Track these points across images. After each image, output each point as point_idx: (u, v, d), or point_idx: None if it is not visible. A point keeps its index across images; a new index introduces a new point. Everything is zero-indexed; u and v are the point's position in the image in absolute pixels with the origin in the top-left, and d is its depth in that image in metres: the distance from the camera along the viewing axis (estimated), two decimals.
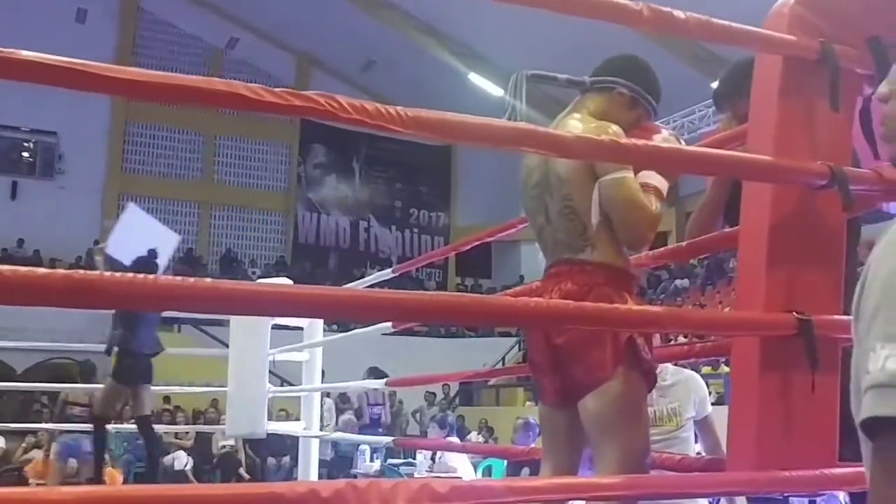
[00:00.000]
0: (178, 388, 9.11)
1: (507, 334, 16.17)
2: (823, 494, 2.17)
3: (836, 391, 1.84)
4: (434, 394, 13.66)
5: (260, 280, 9.47)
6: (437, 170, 20.99)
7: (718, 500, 3.34)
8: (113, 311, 5.61)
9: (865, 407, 0.62)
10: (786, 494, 1.96)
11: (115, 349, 5.64)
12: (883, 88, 0.84)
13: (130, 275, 1.27)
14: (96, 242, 5.73)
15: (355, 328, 8.54)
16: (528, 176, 2.16)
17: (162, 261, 5.73)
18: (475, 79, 17.11)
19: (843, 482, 1.76)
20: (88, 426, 6.98)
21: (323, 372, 7.03)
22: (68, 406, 7.52)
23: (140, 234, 5.86)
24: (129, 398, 6.01)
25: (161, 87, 1.29)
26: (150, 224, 6.27)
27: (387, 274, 4.85)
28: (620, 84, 2.12)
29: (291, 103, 1.25)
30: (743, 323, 1.84)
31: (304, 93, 1.29)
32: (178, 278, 1.32)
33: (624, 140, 1.71)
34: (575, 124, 2.03)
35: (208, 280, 1.37)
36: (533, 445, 5.38)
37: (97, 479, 5.62)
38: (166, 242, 6.03)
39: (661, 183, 2.01)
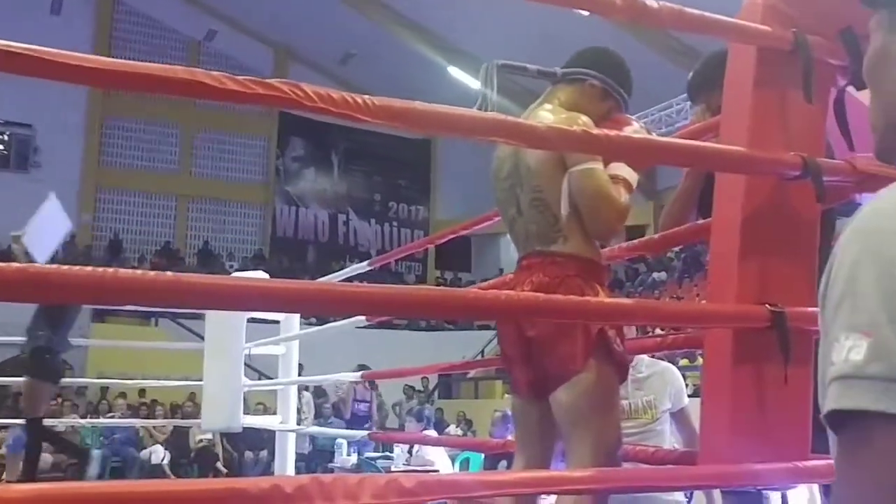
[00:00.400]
0: (154, 381, 9.04)
1: (487, 327, 16.17)
2: (796, 486, 2.17)
3: (809, 383, 1.84)
4: (413, 387, 13.65)
5: (237, 274, 9.41)
6: (416, 163, 20.94)
7: (691, 494, 3.34)
8: (36, 312, 5.64)
9: (829, 399, 0.61)
10: (759, 487, 1.96)
11: (36, 348, 5.60)
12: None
13: (109, 270, 1.24)
14: (15, 236, 5.59)
15: (332, 321, 8.51)
16: (498, 167, 2.14)
17: (49, 250, 5.70)
18: (455, 72, 17.06)
19: (816, 474, 1.76)
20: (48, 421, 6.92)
21: (301, 365, 7.00)
22: None
23: (52, 225, 5.83)
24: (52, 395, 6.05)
25: (122, 74, 1.25)
26: (61, 216, 6.22)
27: (362, 267, 4.83)
28: (592, 76, 2.11)
29: (254, 91, 1.22)
30: (715, 315, 1.83)
31: (268, 81, 1.26)
32: (154, 272, 1.29)
33: (595, 131, 1.69)
34: (545, 115, 2.02)
35: (176, 275, 1.34)
36: (510, 438, 5.38)
37: (29, 479, 5.53)
38: (61, 231, 6.03)
39: (630, 175, 2.01)
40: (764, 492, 2.32)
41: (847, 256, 0.63)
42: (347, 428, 9.30)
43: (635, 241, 2.39)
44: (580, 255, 2.01)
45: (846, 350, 0.59)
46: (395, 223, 20.97)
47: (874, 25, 0.80)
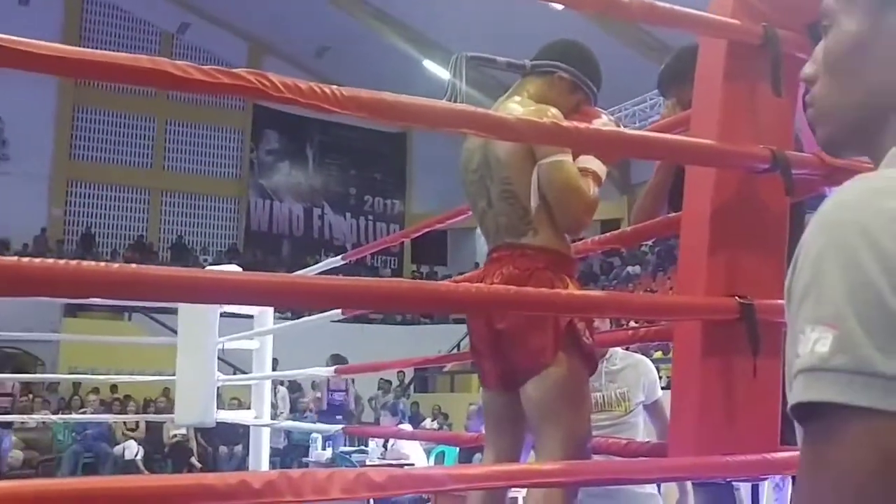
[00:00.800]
0: (127, 377, 8.96)
1: (462, 321, 16.12)
2: (766, 479, 2.19)
3: (778, 375, 1.85)
4: (389, 381, 13.64)
5: (211, 268, 9.33)
6: (391, 157, 20.89)
7: (659, 486, 3.36)
8: None
9: (795, 392, 0.61)
10: (728, 479, 1.98)
11: None
12: (808, 69, 0.82)
13: (72, 262, 1.21)
14: None
15: (307, 315, 8.47)
16: (468, 159, 2.14)
17: None
18: (430, 65, 17.03)
19: (785, 466, 1.77)
20: (8, 417, 6.85)
21: (276, 360, 6.95)
22: None
23: None
24: None
25: (86, 63, 1.23)
26: None
27: (336, 261, 4.81)
28: (561, 68, 2.11)
29: (220, 81, 1.20)
30: (685, 307, 1.84)
31: (234, 70, 1.24)
32: (124, 265, 1.27)
33: (564, 123, 1.69)
34: (514, 107, 2.02)
35: (142, 266, 1.32)
36: (483, 431, 5.38)
37: None
38: None
39: (599, 168, 2.01)
40: (735, 484, 2.34)
41: (812, 249, 0.62)
42: (323, 419, 9.24)
43: (608, 235, 2.40)
44: (550, 247, 2.01)
45: (811, 342, 0.59)
46: (370, 217, 20.91)
47: (841, 6, 0.78)
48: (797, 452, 0.62)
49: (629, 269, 15.20)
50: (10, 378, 7.52)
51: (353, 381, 10.39)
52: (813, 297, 0.60)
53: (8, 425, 7.49)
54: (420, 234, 4.08)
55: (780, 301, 1.85)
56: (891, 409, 0.55)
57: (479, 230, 2.26)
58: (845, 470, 0.57)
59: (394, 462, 6.14)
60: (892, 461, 0.55)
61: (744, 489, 2.44)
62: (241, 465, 9.80)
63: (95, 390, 11.51)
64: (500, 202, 2.05)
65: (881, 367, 0.56)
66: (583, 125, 1.67)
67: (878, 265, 0.58)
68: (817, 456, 0.59)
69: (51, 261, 1.20)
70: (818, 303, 0.60)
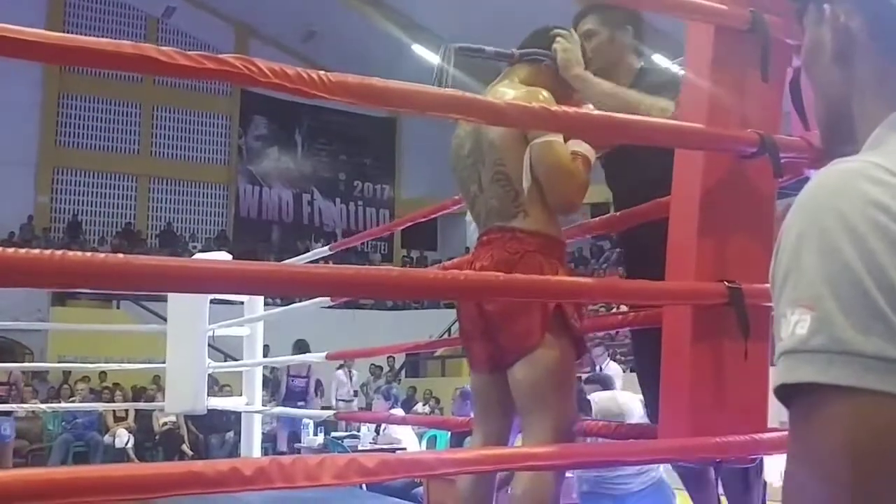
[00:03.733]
0: (116, 364, 8.93)
1: (453, 306, 16.20)
2: (756, 460, 2.21)
3: (767, 358, 1.86)
4: (380, 367, 13.66)
5: (200, 255, 9.31)
6: (381, 142, 20.82)
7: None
8: None
9: (778, 374, 0.62)
10: (718, 459, 1.99)
11: None
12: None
13: (61, 253, 1.20)
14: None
15: (296, 302, 8.46)
16: (459, 146, 2.15)
17: None
18: (418, 50, 16.95)
19: (774, 447, 1.79)
20: (8, 406, 6.84)
21: (267, 346, 6.95)
22: None
23: None
24: None
25: (69, 49, 1.22)
26: None
27: (325, 251, 4.81)
28: (549, 56, 2.12)
29: (205, 67, 1.19)
30: (674, 292, 1.85)
31: (220, 56, 1.23)
32: (111, 255, 1.26)
33: (554, 107, 1.69)
34: (505, 91, 2.02)
35: (128, 257, 1.31)
36: (472, 415, 5.40)
37: None
38: None
39: (588, 151, 2.02)
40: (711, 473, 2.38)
41: (791, 233, 0.64)
42: (283, 404, 9.23)
43: (596, 220, 2.40)
44: (540, 231, 2.02)
45: (792, 325, 0.61)
46: (360, 202, 20.85)
47: (806, 21, 0.81)
48: (787, 433, 0.63)
49: (619, 251, 15.24)
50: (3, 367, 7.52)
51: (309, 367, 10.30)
52: (792, 280, 0.62)
53: (8, 413, 7.47)
54: (410, 224, 4.08)
55: (768, 285, 1.86)
56: (869, 387, 0.57)
57: (468, 216, 2.27)
58: (828, 448, 0.58)
59: (385, 447, 6.16)
60: (872, 438, 0.56)
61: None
62: (233, 451, 9.81)
63: (85, 379, 11.47)
64: (492, 185, 2.05)
65: (859, 346, 0.57)
66: (572, 109, 1.67)
67: (854, 249, 0.59)
68: (800, 436, 0.60)
69: (36, 251, 1.19)
70: (797, 286, 0.61)
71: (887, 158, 0.64)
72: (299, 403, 9.59)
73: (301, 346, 9.01)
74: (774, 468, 2.80)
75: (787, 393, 0.61)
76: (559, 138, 1.97)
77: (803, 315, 0.60)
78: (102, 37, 1.24)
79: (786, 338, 0.61)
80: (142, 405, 10.19)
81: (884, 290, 0.57)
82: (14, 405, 7.27)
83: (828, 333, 0.59)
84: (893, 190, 0.60)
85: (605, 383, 4.55)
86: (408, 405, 10.77)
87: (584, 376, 4.72)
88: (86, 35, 1.23)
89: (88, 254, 1.25)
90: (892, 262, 0.58)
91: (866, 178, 0.62)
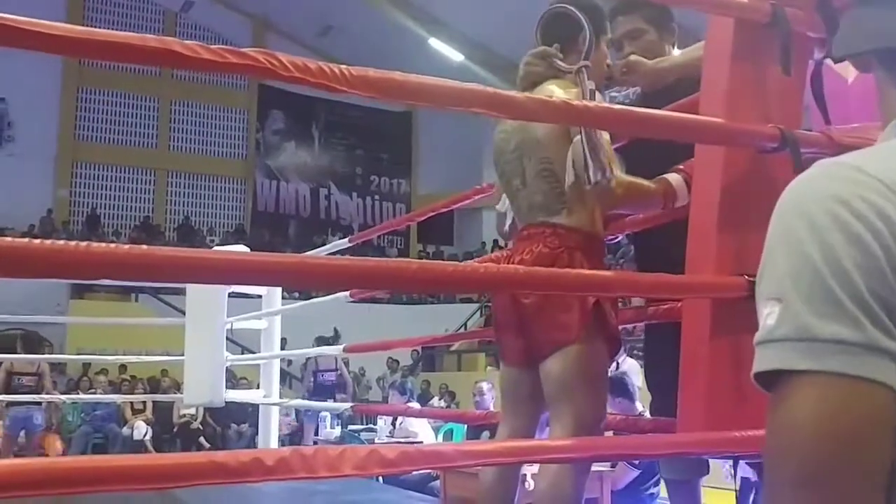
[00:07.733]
0: (135, 357, 9.00)
1: (469, 301, 16.22)
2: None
3: None
4: (397, 361, 13.69)
5: (218, 248, 9.37)
6: (397, 136, 20.84)
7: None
8: None
9: (754, 364, 0.67)
10: (737, 454, 1.99)
11: None
12: None
13: (84, 244, 1.22)
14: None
15: (316, 296, 8.48)
16: (505, 140, 2.15)
17: None
18: (435, 44, 16.93)
19: None
20: (38, 396, 6.91)
21: (285, 339, 6.98)
22: (13, 377, 7.44)
23: None
24: None
25: (94, 43, 1.23)
26: None
27: (343, 243, 4.82)
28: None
29: (228, 61, 1.20)
30: (693, 286, 1.84)
31: (243, 50, 1.24)
32: (133, 246, 1.27)
33: (574, 101, 1.69)
34: (553, 88, 2.03)
35: (150, 247, 1.32)
36: (491, 409, 5.42)
37: None
38: None
39: (607, 143, 2.02)
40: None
41: (769, 233, 0.69)
42: (311, 399, 9.19)
43: (626, 220, 2.38)
44: (582, 228, 2.03)
45: (764, 317, 0.65)
46: (376, 197, 20.89)
47: None
48: None
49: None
50: (23, 359, 7.58)
51: (346, 361, 10.27)
52: (766, 276, 0.67)
53: (38, 403, 7.54)
54: (427, 217, 4.09)
55: None
56: (828, 370, 0.60)
57: (499, 206, 2.27)
58: (793, 431, 0.61)
59: (402, 440, 6.18)
60: (834, 418, 0.60)
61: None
62: (250, 444, 9.86)
63: (104, 371, 11.57)
64: (537, 180, 2.06)
65: (817, 331, 0.61)
66: (593, 104, 1.67)
67: (815, 242, 0.63)
68: (771, 420, 0.64)
69: (61, 242, 1.21)
70: (769, 281, 0.66)
71: (866, 159, 0.66)
72: (339, 396, 9.42)
73: (328, 341, 8.97)
74: None
75: (762, 383, 0.65)
76: (605, 136, 1.98)
77: (773, 307, 0.64)
78: (122, 30, 1.25)
79: (760, 330, 0.65)
80: (160, 397, 10.26)
81: (838, 277, 0.61)
82: (41, 396, 7.34)
83: (791, 322, 0.62)
84: (860, 188, 0.63)
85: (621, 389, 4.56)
86: (423, 400, 10.78)
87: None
88: (105, 29, 1.23)
89: (112, 244, 1.26)
90: (848, 253, 0.61)
91: (833, 177, 0.66)
